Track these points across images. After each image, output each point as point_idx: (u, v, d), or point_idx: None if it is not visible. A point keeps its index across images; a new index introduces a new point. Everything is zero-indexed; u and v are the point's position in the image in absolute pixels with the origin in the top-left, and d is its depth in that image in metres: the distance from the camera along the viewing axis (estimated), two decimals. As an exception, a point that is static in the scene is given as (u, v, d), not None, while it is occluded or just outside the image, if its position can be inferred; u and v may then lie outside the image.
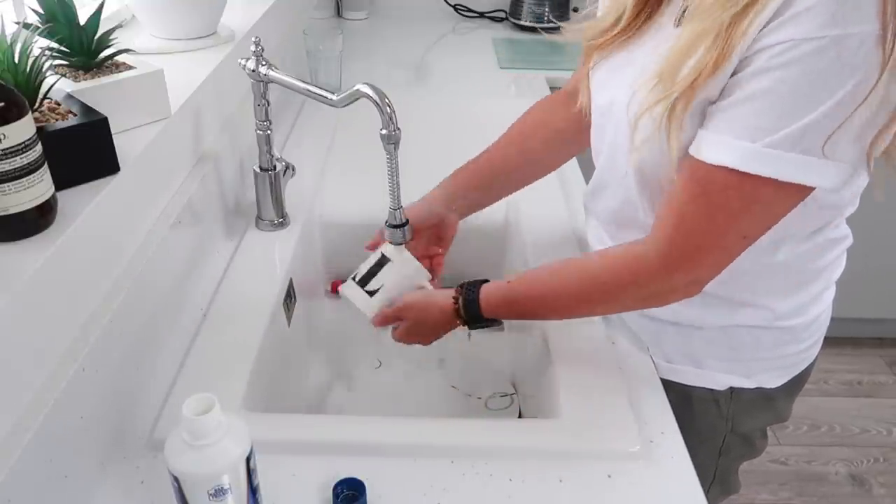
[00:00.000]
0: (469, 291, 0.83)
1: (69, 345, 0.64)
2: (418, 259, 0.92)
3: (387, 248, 0.91)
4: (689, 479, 0.69)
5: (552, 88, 1.72)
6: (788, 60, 0.60)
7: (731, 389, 0.87)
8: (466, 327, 0.85)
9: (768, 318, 0.82)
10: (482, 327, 0.84)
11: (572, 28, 0.82)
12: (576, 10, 2.07)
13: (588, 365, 0.81)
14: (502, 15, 2.23)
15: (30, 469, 0.56)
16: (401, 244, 0.91)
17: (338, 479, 0.66)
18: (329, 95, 0.89)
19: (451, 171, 1.03)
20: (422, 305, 0.88)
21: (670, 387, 0.86)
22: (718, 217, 0.67)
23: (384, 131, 0.83)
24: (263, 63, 0.94)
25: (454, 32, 2.14)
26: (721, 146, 0.64)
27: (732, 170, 0.64)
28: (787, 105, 0.61)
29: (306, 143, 1.35)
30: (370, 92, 0.82)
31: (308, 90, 0.91)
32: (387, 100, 0.82)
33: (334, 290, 1.18)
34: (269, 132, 1.00)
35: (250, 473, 0.58)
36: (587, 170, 1.29)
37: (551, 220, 1.10)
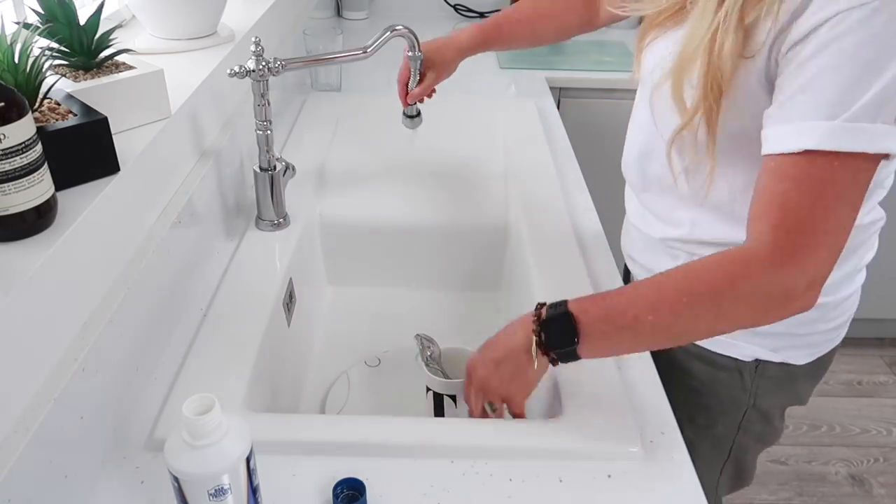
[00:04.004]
0: (553, 303, 0.72)
1: (69, 345, 0.65)
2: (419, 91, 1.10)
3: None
4: (689, 479, 0.69)
5: (552, 88, 1.72)
6: (841, 32, 0.60)
7: (757, 362, 0.88)
8: (540, 347, 0.71)
9: None
10: (563, 342, 0.70)
11: (633, 6, 0.85)
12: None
13: (588, 365, 0.81)
14: (502, 15, 2.23)
15: (30, 469, 0.56)
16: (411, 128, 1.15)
17: (338, 479, 0.66)
18: (358, 52, 1.01)
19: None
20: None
21: (697, 355, 0.89)
22: (827, 196, 0.64)
23: (410, 54, 1.08)
24: (265, 61, 0.94)
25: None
26: (800, 132, 0.63)
27: (818, 151, 0.62)
28: (854, 76, 0.61)
29: (306, 143, 1.35)
30: (399, 27, 1.03)
31: (335, 57, 1.07)
32: (411, 30, 1.04)
33: None
34: (269, 132, 1.00)
35: (250, 473, 0.58)
36: (587, 171, 1.29)
37: (552, 219, 1.10)
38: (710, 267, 0.68)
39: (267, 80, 0.96)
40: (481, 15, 2.24)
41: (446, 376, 0.90)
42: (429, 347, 0.92)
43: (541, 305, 0.72)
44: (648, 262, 0.95)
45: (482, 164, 1.31)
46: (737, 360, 0.88)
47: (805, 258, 0.64)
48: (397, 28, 1.04)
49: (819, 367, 0.92)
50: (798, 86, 0.64)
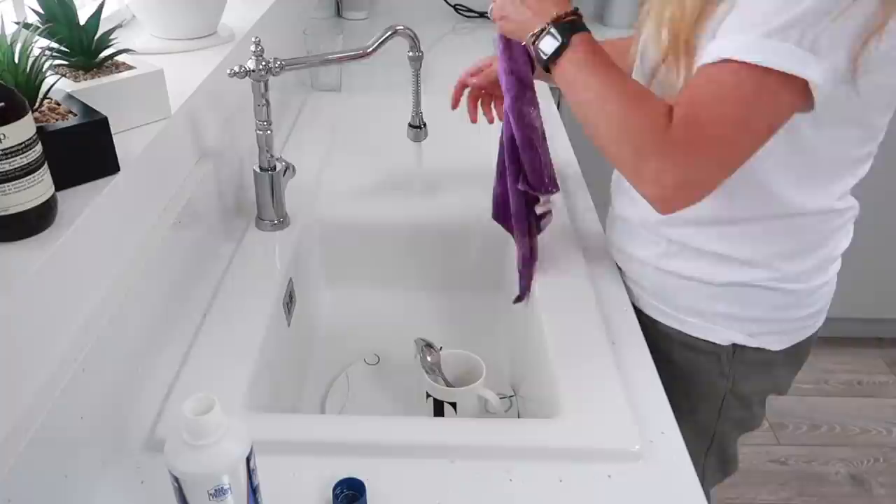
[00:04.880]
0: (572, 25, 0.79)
1: (69, 345, 0.65)
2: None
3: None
4: (689, 479, 0.69)
5: (552, 88, 1.72)
6: None
7: (734, 347, 0.91)
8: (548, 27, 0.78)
9: (774, 278, 0.86)
10: (556, 39, 0.77)
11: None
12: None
13: (588, 365, 0.81)
14: (502, 15, 2.23)
15: (30, 469, 0.56)
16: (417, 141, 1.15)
17: (338, 479, 0.66)
18: (358, 52, 1.02)
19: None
20: None
21: (677, 338, 0.93)
22: (727, 101, 0.69)
23: (411, 54, 1.07)
24: (265, 61, 0.94)
25: (454, 32, 2.14)
26: (722, 45, 0.69)
27: (733, 60, 0.67)
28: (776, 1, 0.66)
29: (306, 143, 1.35)
30: (400, 27, 1.03)
31: (335, 58, 1.06)
32: (411, 30, 1.05)
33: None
34: (269, 132, 1.00)
35: (250, 473, 0.58)
36: (587, 171, 1.29)
37: (552, 224, 1.10)
38: (651, 101, 0.74)
39: (267, 80, 0.96)
40: (481, 15, 2.24)
41: (447, 382, 0.90)
42: (429, 352, 0.92)
43: (571, 14, 0.79)
44: (627, 246, 0.97)
45: (482, 163, 1.31)
46: (715, 344, 0.91)
47: (688, 149, 0.70)
48: (397, 28, 1.04)
49: (797, 354, 0.94)
50: (733, 9, 0.70)
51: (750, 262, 0.86)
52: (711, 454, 1.01)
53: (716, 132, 0.69)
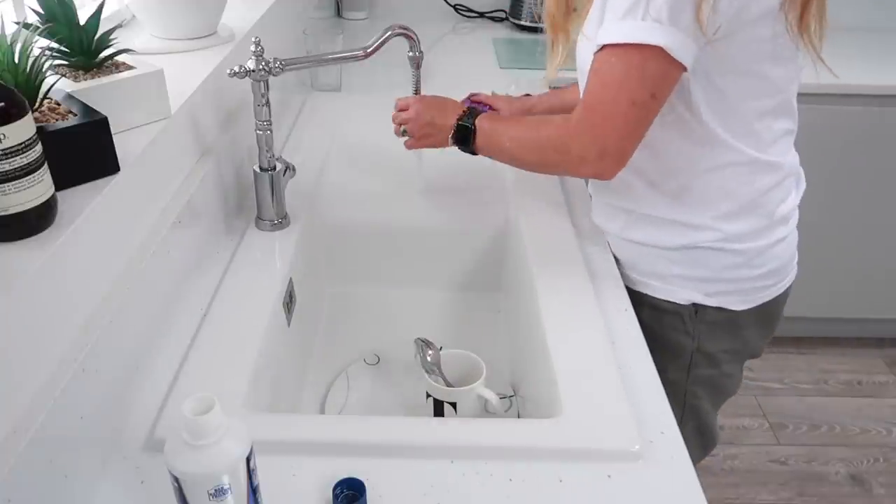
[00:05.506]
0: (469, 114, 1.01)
1: (69, 345, 0.65)
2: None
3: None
4: (689, 479, 0.69)
5: (552, 88, 1.72)
6: None
7: (695, 307, 1.00)
8: (457, 123, 1.00)
9: (720, 238, 0.95)
10: (466, 130, 0.99)
11: None
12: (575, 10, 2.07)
13: (588, 365, 0.81)
14: (502, 15, 2.23)
15: (30, 469, 0.56)
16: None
17: (338, 479, 0.66)
18: (358, 52, 1.02)
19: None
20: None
21: (644, 301, 1.01)
22: (608, 85, 0.83)
23: (411, 53, 1.09)
24: (265, 62, 0.94)
25: (454, 32, 2.14)
26: (598, 34, 0.83)
27: (605, 46, 0.82)
28: None
29: (306, 143, 1.35)
30: (400, 27, 1.04)
31: (335, 58, 1.06)
32: (412, 30, 1.06)
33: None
34: (269, 132, 1.00)
35: (250, 473, 0.58)
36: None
37: (552, 219, 1.10)
38: (548, 121, 0.94)
39: (267, 81, 0.96)
40: (481, 15, 2.24)
41: (447, 382, 0.90)
42: (429, 353, 0.92)
43: (467, 111, 1.00)
44: (602, 223, 1.07)
45: (482, 163, 1.31)
46: (676, 304, 1.00)
47: (592, 131, 0.85)
48: (397, 28, 1.04)
49: (763, 316, 1.01)
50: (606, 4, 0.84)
51: (694, 225, 0.95)
52: (688, 422, 1.05)
53: (606, 110, 0.83)
